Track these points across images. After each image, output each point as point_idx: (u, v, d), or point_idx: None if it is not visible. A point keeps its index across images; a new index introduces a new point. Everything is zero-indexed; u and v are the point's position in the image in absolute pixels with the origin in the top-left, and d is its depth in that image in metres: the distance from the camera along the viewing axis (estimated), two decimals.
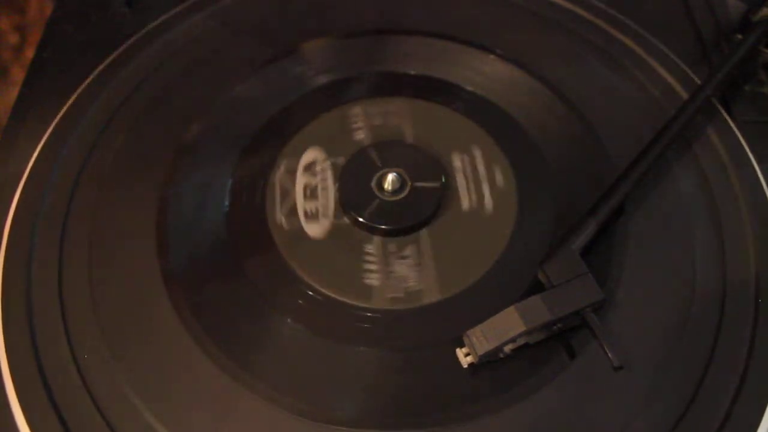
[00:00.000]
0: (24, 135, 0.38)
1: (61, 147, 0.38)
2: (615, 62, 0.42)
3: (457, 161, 0.38)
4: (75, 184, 0.36)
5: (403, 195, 0.36)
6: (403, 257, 0.35)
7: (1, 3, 0.58)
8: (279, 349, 0.31)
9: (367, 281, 0.34)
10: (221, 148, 0.38)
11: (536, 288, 0.32)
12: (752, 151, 0.37)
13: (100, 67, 0.41)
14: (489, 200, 0.36)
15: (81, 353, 0.31)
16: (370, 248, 0.35)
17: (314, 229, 0.36)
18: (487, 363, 0.30)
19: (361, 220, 0.35)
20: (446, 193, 0.36)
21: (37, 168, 0.37)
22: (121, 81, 0.41)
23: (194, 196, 0.36)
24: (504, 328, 0.30)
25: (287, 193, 0.37)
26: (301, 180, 0.37)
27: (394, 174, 0.36)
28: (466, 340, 0.30)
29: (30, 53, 0.53)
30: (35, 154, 0.37)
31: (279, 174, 0.37)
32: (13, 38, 0.58)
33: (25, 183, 0.36)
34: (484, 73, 0.42)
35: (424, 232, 0.35)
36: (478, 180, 0.37)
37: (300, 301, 0.33)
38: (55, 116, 0.39)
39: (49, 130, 0.38)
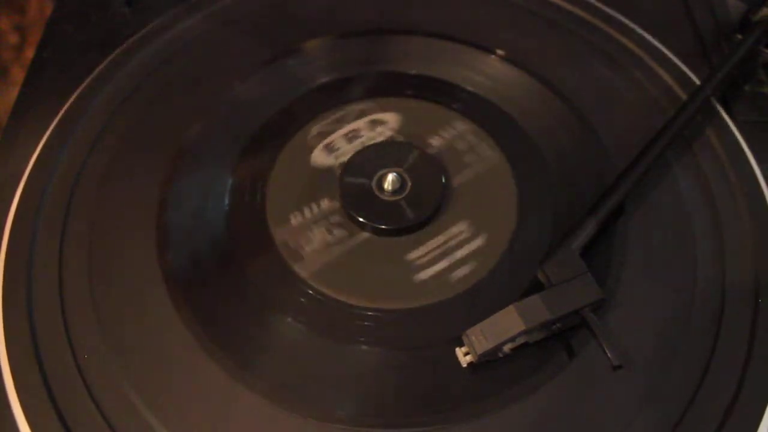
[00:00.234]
0: (24, 135, 0.38)
1: (61, 147, 0.38)
2: (615, 62, 0.42)
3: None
4: (75, 184, 0.36)
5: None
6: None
7: (1, 3, 0.58)
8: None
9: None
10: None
11: (536, 287, 0.32)
12: (752, 151, 0.37)
13: (100, 67, 0.41)
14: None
15: (81, 353, 0.31)
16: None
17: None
18: (487, 362, 0.30)
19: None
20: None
21: (37, 168, 0.37)
22: (121, 81, 0.41)
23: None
24: (503, 327, 0.30)
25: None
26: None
27: (394, 174, 0.36)
28: (465, 339, 0.30)
29: (30, 53, 0.53)
30: (35, 154, 0.37)
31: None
32: (13, 38, 0.58)
33: (25, 183, 0.36)
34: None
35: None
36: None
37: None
38: (55, 116, 0.39)
39: (49, 130, 0.38)
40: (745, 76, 0.41)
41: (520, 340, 0.30)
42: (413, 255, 0.35)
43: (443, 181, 0.37)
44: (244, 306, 0.33)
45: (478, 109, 0.40)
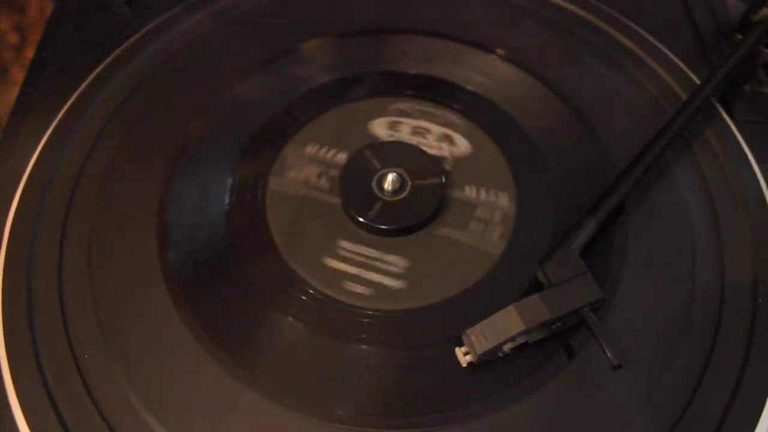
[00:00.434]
0: (24, 135, 0.38)
1: (61, 147, 0.38)
2: (615, 62, 0.42)
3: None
4: (75, 184, 0.36)
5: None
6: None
7: (1, 3, 0.58)
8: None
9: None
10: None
11: (536, 287, 0.32)
12: (752, 151, 0.37)
13: (100, 67, 0.41)
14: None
15: (81, 353, 0.31)
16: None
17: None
18: (486, 362, 0.30)
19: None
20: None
21: (37, 168, 0.37)
22: (121, 81, 0.41)
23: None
24: (503, 327, 0.30)
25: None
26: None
27: (394, 174, 0.36)
28: (465, 339, 0.30)
29: (30, 53, 0.53)
30: (35, 154, 0.37)
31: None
32: (13, 38, 0.58)
33: (25, 183, 0.36)
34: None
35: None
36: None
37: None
38: (55, 116, 0.39)
39: (49, 130, 0.38)
40: (745, 76, 0.41)
41: (520, 340, 0.30)
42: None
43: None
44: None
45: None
